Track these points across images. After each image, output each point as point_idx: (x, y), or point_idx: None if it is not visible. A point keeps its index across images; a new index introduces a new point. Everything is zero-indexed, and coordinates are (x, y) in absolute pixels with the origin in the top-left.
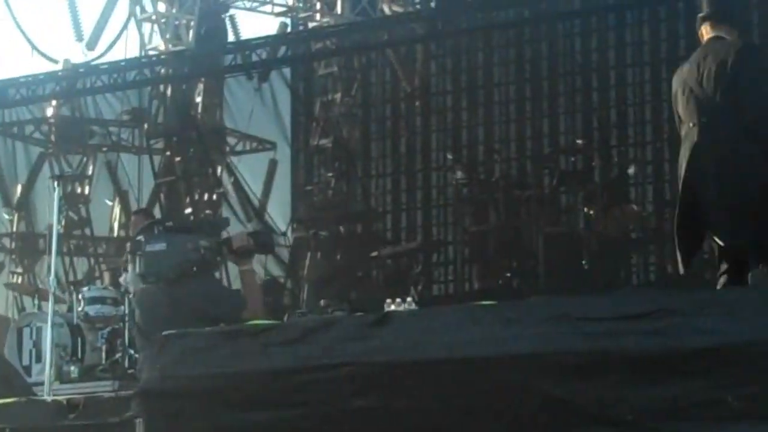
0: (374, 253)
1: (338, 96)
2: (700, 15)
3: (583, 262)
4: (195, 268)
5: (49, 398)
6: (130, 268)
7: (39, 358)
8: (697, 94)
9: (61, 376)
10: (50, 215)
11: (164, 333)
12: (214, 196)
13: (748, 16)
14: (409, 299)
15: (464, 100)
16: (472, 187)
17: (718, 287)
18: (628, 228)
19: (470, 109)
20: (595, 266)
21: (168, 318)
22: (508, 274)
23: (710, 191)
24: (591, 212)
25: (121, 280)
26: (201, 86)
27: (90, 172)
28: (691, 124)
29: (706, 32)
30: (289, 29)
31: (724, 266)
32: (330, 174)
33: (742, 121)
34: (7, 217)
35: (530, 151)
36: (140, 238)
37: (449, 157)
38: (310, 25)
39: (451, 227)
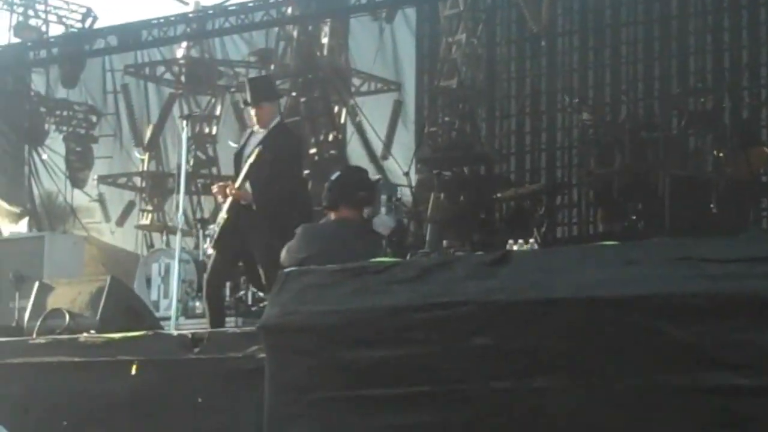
0: (497, 195)
1: (463, 37)
2: None
3: (711, 205)
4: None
5: (175, 332)
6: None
7: (167, 294)
8: None
9: (187, 312)
10: (179, 155)
11: (286, 269)
12: (339, 137)
13: None
14: (531, 241)
15: (591, 40)
16: (597, 128)
17: None
18: (758, 171)
19: (597, 49)
20: (724, 210)
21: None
22: (633, 217)
23: None
24: (720, 155)
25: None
26: (326, 27)
27: (218, 113)
28: None
29: None
30: None
31: None
32: (454, 115)
33: None
34: (139, 156)
35: (658, 92)
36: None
37: (574, 99)
38: None
39: (575, 169)
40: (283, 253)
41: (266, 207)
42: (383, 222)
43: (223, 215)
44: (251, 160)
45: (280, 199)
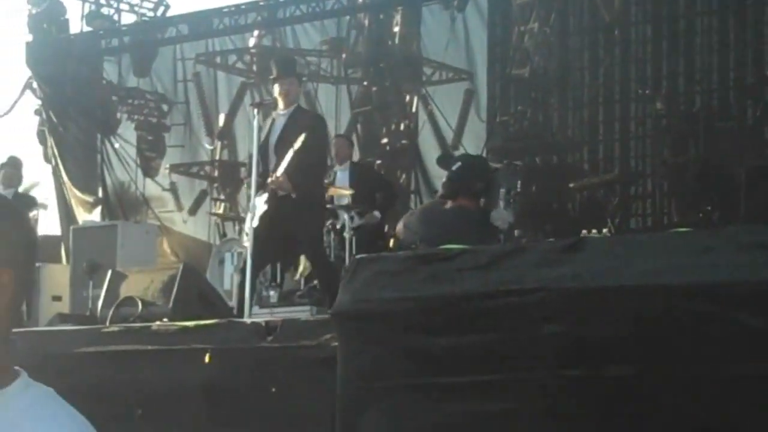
0: (571, 185)
1: (536, 25)
2: None
3: None
4: None
5: (248, 321)
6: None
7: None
8: None
9: (260, 301)
10: (250, 144)
11: (358, 256)
12: (411, 126)
13: None
14: (605, 231)
15: (665, 29)
16: (671, 118)
17: None
18: None
19: (671, 39)
20: None
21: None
22: (708, 207)
23: None
24: None
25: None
26: (398, 16)
27: None
28: None
29: None
30: None
31: None
32: (526, 104)
33: None
34: (209, 146)
35: (733, 82)
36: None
37: (646, 90)
38: None
39: (649, 159)
40: (400, 227)
41: (306, 194)
42: (501, 215)
43: (258, 205)
44: (295, 147)
45: (316, 184)
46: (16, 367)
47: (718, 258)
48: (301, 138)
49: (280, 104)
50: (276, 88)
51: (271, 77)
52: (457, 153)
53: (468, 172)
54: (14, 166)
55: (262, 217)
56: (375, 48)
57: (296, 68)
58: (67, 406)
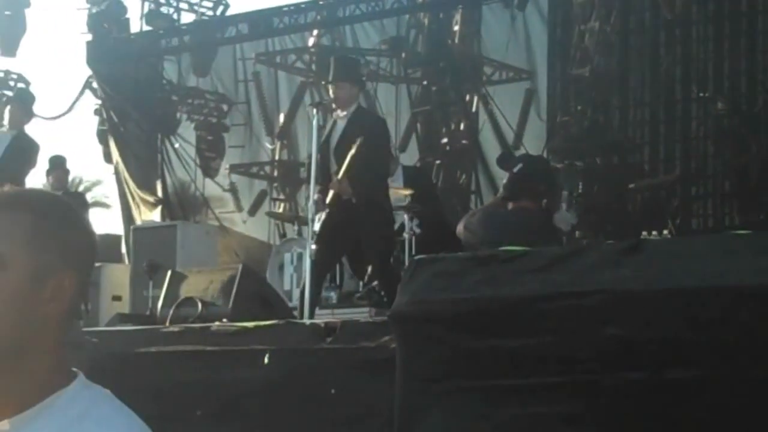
0: (631, 185)
1: (596, 24)
2: None
3: None
4: None
5: (307, 322)
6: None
7: (299, 283)
8: None
9: (319, 302)
10: (310, 144)
11: (417, 257)
12: (471, 126)
13: None
14: (665, 232)
15: (727, 28)
16: (733, 118)
17: None
18: None
19: (732, 38)
20: None
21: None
22: None
23: None
24: None
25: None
26: (458, 15)
27: None
28: None
29: None
30: None
31: None
32: (586, 104)
33: None
34: (269, 146)
35: None
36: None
37: (705, 94)
38: None
39: (711, 159)
40: (460, 228)
41: (369, 197)
42: (564, 218)
43: (322, 210)
44: (353, 152)
45: (379, 187)
46: (74, 369)
47: None
48: (359, 141)
49: (336, 106)
50: (330, 90)
51: (326, 80)
52: (517, 153)
53: (530, 173)
54: (62, 167)
55: (325, 221)
56: (435, 47)
57: (355, 72)
58: (124, 407)
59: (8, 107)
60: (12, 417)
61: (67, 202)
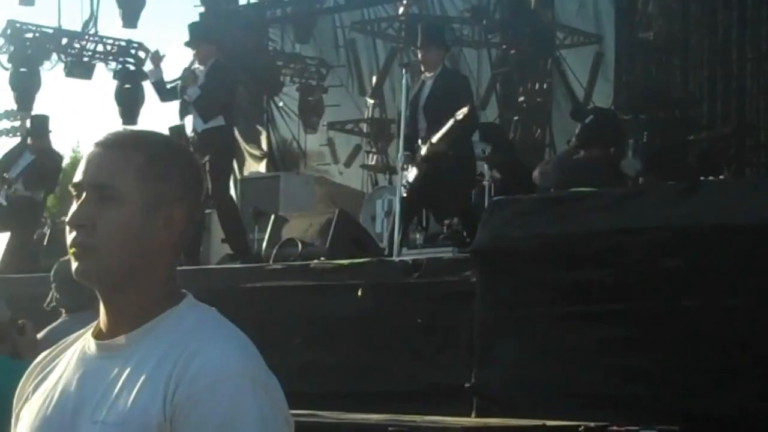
0: (691, 137)
1: None
2: None
3: None
4: None
5: (396, 259)
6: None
7: (389, 226)
8: None
9: (407, 243)
10: (400, 102)
11: (495, 198)
12: (545, 86)
13: None
14: (721, 178)
15: None
16: None
17: None
18: None
19: None
20: None
21: None
22: None
23: None
24: None
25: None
26: None
27: None
28: None
29: None
30: None
31: None
32: (650, 65)
33: None
34: (369, 100)
35: None
36: None
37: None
38: None
39: (763, 113)
40: (536, 173)
41: (458, 156)
42: (630, 164)
43: (411, 163)
44: (459, 117)
45: (467, 145)
46: (183, 290)
47: None
48: (465, 110)
49: (424, 69)
50: (419, 54)
51: (415, 45)
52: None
53: (600, 123)
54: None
55: (416, 176)
56: (512, 14)
57: (440, 37)
58: (229, 323)
59: None
60: (128, 333)
61: (178, 142)
